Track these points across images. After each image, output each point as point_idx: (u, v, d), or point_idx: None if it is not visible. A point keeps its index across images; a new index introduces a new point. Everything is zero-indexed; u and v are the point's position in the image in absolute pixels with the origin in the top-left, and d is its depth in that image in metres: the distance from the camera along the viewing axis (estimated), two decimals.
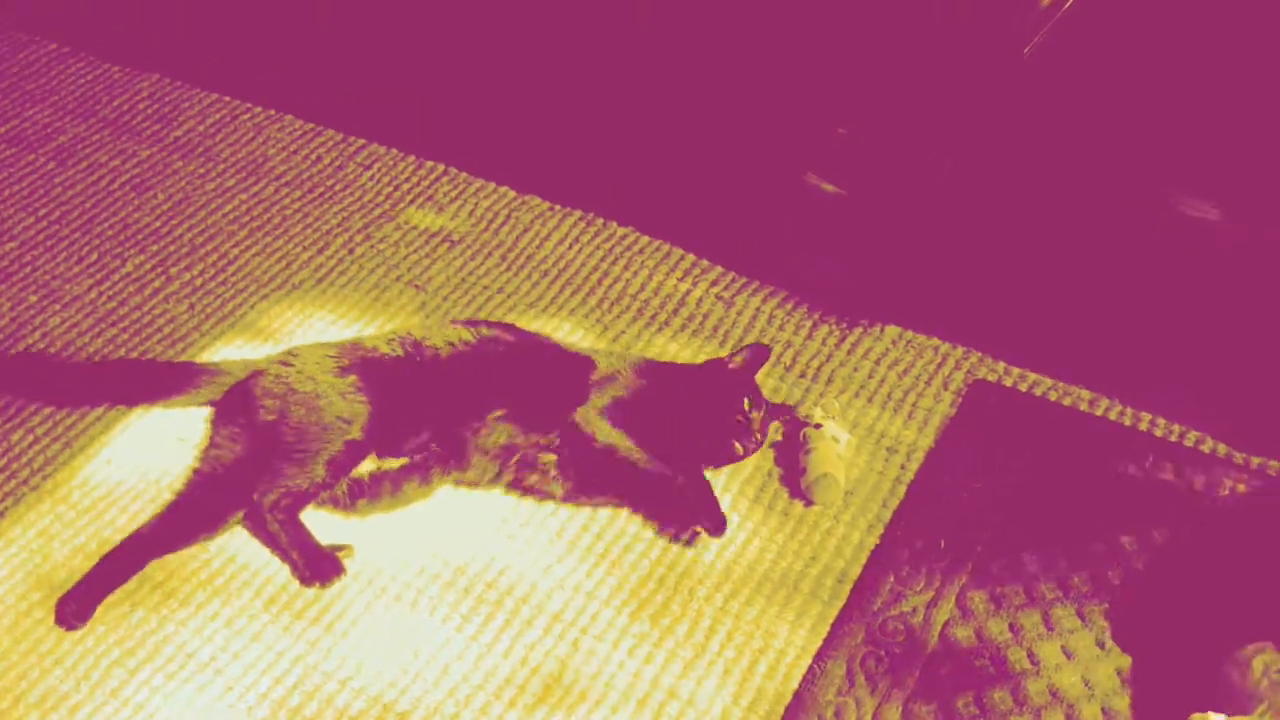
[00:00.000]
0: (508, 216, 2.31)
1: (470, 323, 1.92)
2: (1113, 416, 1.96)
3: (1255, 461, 1.88)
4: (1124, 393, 1.99)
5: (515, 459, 1.78)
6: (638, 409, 1.79)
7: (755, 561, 1.78)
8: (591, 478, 1.78)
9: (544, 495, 1.81)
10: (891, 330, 2.11)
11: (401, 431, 1.76)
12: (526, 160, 2.39)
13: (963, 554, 1.77)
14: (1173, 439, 1.92)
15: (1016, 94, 1.96)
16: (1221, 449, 1.90)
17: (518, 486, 1.81)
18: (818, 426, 1.88)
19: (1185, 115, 1.91)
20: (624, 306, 2.16)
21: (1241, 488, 1.82)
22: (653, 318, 2.14)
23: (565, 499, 1.81)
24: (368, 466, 1.77)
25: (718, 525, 1.73)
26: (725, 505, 1.82)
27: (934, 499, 1.83)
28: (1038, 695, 1.61)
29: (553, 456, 1.78)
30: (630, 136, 2.45)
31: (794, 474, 1.86)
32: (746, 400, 1.82)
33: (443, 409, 1.78)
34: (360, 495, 1.76)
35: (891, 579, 1.74)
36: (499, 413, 1.77)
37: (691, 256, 2.24)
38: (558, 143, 2.44)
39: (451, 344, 1.84)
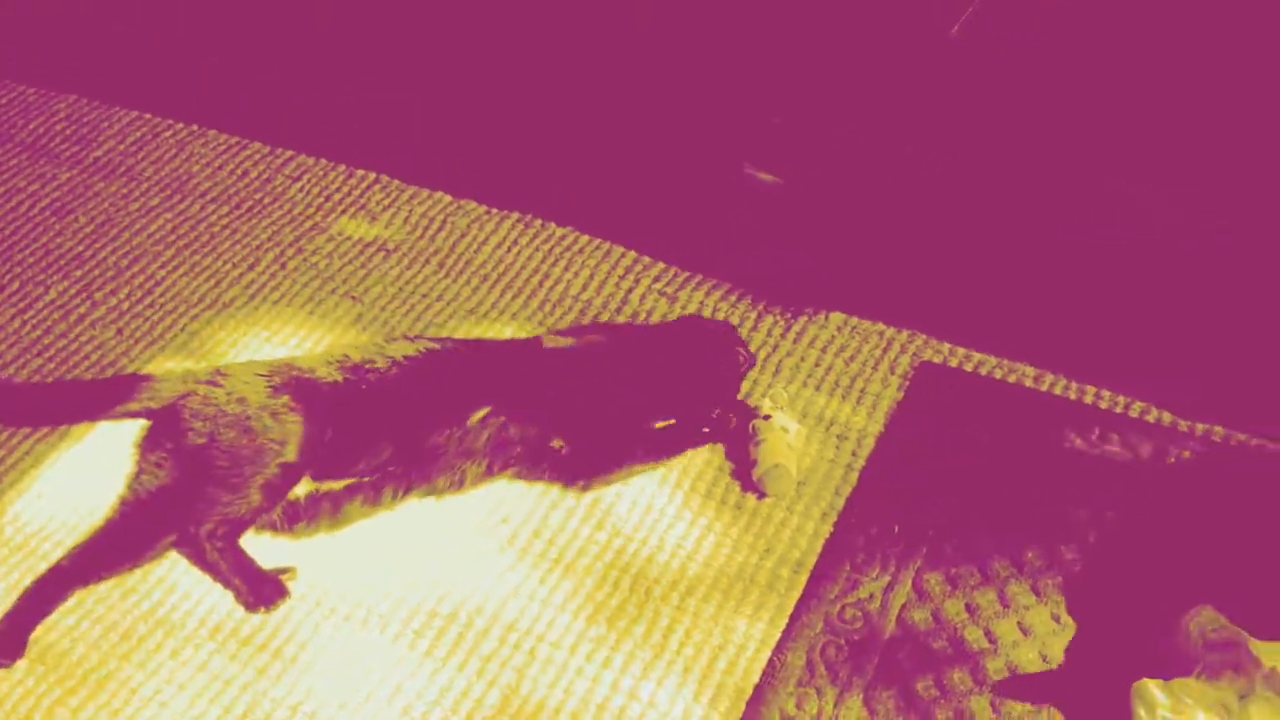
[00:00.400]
0: (443, 222, 2.29)
1: (411, 338, 1.91)
2: (1058, 391, 1.99)
3: (1200, 428, 1.92)
4: (1068, 367, 2.02)
5: (516, 451, 1.80)
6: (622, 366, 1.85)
7: (710, 557, 1.78)
8: (603, 447, 1.82)
9: (555, 477, 1.83)
10: (836, 317, 2.12)
11: (350, 453, 1.74)
12: (461, 164, 2.38)
13: (917, 537, 1.78)
14: (1118, 410, 1.95)
15: (944, 74, 1.99)
16: (1166, 417, 1.94)
17: (520, 475, 1.83)
18: (766, 418, 1.89)
19: (1124, 97, 1.95)
20: (566, 308, 2.15)
21: (1187, 455, 1.86)
22: (595, 318, 2.14)
23: (573, 479, 1.83)
24: (303, 489, 1.74)
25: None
26: (676, 503, 1.84)
27: (886, 484, 1.85)
28: (996, 673, 1.63)
29: (560, 442, 1.80)
30: (565, 134, 2.45)
31: (745, 467, 1.87)
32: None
33: (404, 424, 1.76)
34: (298, 519, 1.74)
35: (847, 567, 1.76)
36: (483, 412, 1.77)
37: (632, 254, 2.24)
38: (492, 144, 2.42)
39: (396, 360, 1.82)
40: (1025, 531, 1.79)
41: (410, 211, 2.31)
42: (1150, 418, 1.94)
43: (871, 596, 1.72)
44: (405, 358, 1.82)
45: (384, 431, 1.75)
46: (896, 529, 1.80)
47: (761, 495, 1.85)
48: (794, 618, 1.70)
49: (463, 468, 1.78)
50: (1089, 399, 1.97)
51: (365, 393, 1.78)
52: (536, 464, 1.83)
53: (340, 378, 1.79)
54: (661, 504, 1.85)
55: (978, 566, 1.75)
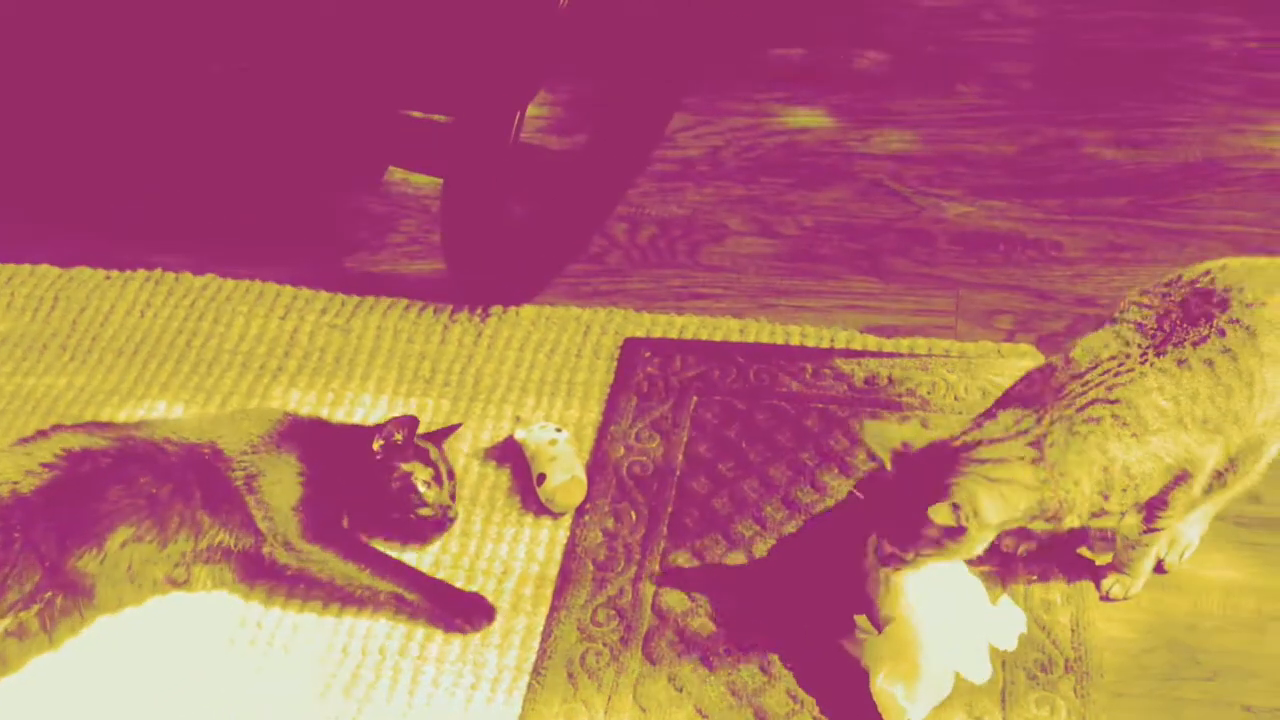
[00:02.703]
0: (55, 299, 2.15)
1: (29, 440, 1.72)
2: (765, 339, 2.11)
3: (904, 346, 2.08)
4: (768, 310, 2.14)
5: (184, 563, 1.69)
6: (317, 494, 1.72)
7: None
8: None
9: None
10: (527, 311, 2.15)
11: None
12: (58, 229, 2.26)
13: (655, 519, 1.83)
14: (825, 345, 2.09)
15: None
16: (871, 342, 2.10)
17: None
18: (524, 434, 1.87)
19: None
20: (224, 364, 2.05)
21: (897, 373, 2.02)
22: (262, 368, 2.05)
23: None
24: None
25: (484, 615, 1.70)
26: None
27: (613, 472, 1.88)
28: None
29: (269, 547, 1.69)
30: (174, 167, 2.36)
31: (528, 486, 1.84)
32: (420, 480, 1.76)
33: (53, 547, 1.61)
34: None
35: (591, 567, 1.77)
36: (124, 534, 1.64)
37: (289, 289, 2.17)
38: (74, 197, 2.32)
39: (28, 473, 1.66)
40: (760, 486, 1.86)
41: (11, 295, 2.15)
42: (856, 345, 2.09)
43: (621, 592, 1.74)
44: (42, 466, 1.66)
45: (26, 562, 1.60)
46: (633, 515, 1.82)
47: (556, 515, 1.82)
48: (545, 634, 1.69)
49: (118, 595, 1.67)
50: (795, 340, 2.10)
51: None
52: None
53: None
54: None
55: (721, 534, 1.80)
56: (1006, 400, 1.59)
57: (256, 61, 2.16)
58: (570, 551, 1.78)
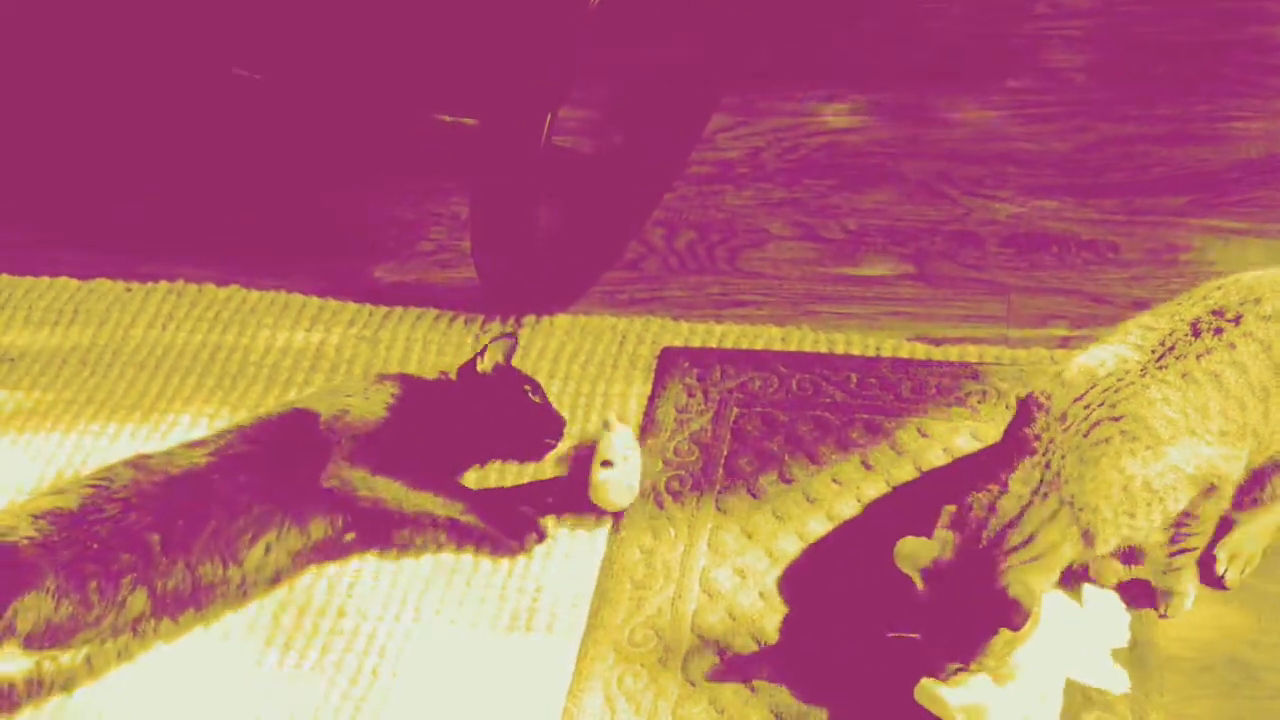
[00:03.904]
0: (74, 312, 2.17)
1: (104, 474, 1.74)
2: (807, 347, 2.09)
3: (953, 354, 2.08)
4: (811, 317, 2.13)
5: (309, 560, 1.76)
6: (398, 439, 1.81)
7: (475, 618, 1.74)
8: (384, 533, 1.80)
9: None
10: (561, 320, 2.15)
11: (77, 617, 1.60)
12: (76, 240, 2.28)
13: (696, 535, 1.82)
14: (870, 354, 2.06)
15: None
16: (920, 350, 2.09)
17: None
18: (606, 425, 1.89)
19: None
20: (250, 378, 2.06)
21: (946, 383, 2.02)
22: (288, 381, 2.06)
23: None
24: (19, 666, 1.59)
25: (525, 533, 1.79)
26: (404, 581, 1.79)
27: (650, 486, 1.86)
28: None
29: (351, 535, 1.78)
30: (196, 174, 2.38)
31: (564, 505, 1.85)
32: (528, 390, 1.91)
33: (153, 569, 1.65)
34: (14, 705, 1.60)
35: (629, 585, 1.77)
36: (265, 541, 1.71)
37: (316, 300, 2.19)
38: (109, 210, 2.34)
39: (126, 487, 1.70)
40: (808, 501, 1.85)
41: (29, 309, 2.18)
42: (904, 353, 2.08)
43: (659, 610, 1.74)
44: (137, 481, 1.70)
45: (125, 581, 1.63)
46: (672, 532, 1.84)
47: (602, 513, 1.83)
48: (582, 656, 1.68)
49: (244, 592, 1.73)
50: (840, 348, 2.10)
51: (96, 537, 1.64)
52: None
53: (49, 532, 1.63)
54: (386, 588, 1.78)
55: (765, 550, 1.81)
56: (1009, 451, 1.57)
57: (281, 63, 2.18)
58: (604, 572, 1.78)
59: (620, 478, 1.82)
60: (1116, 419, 1.53)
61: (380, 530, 1.80)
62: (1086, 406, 1.55)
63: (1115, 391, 1.55)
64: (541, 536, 1.80)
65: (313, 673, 1.70)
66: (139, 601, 1.63)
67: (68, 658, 1.61)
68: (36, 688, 1.61)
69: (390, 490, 1.77)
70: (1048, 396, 1.58)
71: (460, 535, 1.80)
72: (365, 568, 1.81)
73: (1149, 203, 2.31)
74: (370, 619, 1.75)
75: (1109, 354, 1.60)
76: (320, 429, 1.80)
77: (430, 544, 1.81)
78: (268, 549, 1.71)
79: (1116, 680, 1.62)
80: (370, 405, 1.83)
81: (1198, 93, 2.50)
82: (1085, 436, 1.53)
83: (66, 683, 1.64)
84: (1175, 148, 2.41)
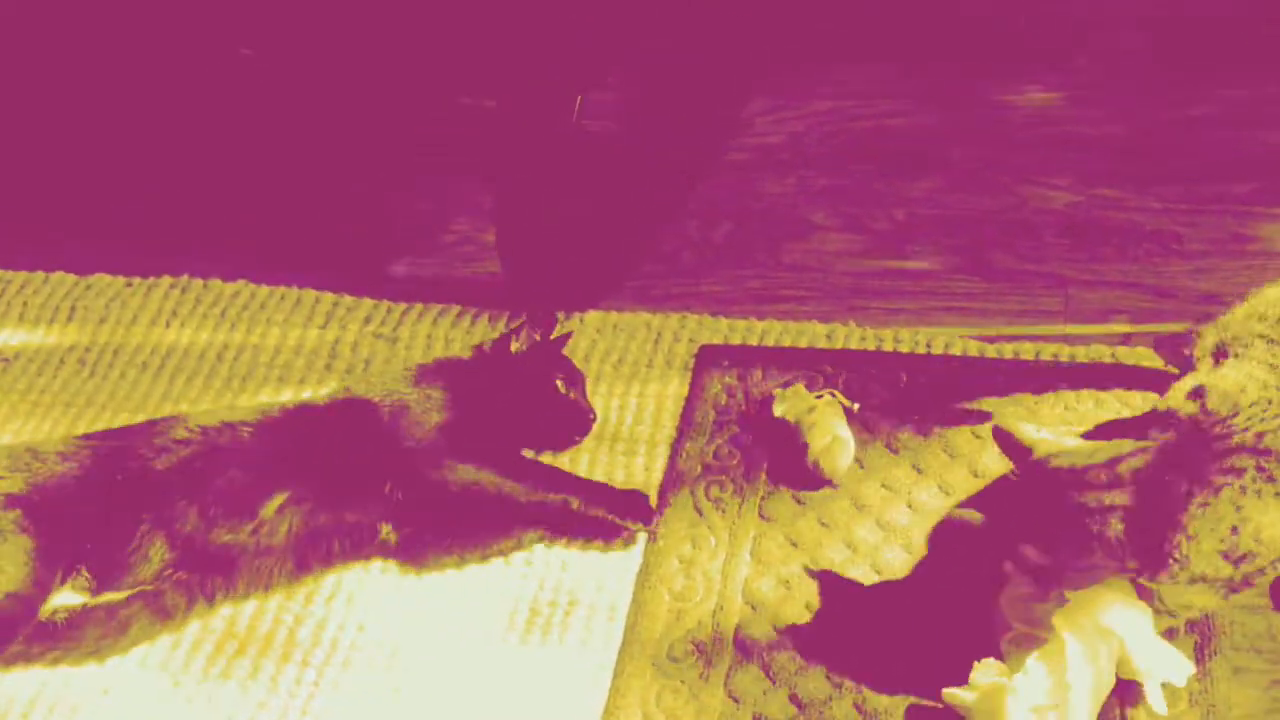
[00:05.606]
0: (72, 309, 2.16)
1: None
2: (854, 345, 2.07)
3: (1008, 351, 2.07)
4: (858, 313, 2.13)
5: (335, 545, 1.78)
6: (459, 423, 1.85)
7: (504, 631, 1.74)
8: (441, 529, 1.82)
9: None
10: (592, 317, 2.14)
11: (117, 560, 1.70)
12: (73, 232, 2.28)
13: (736, 544, 1.82)
14: (921, 351, 2.06)
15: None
16: (973, 348, 2.08)
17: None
18: (819, 396, 1.91)
19: None
20: (259, 379, 2.06)
21: (1002, 382, 1.99)
22: (301, 382, 2.05)
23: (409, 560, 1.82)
24: (77, 599, 1.68)
25: (645, 514, 1.83)
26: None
27: (689, 493, 1.86)
28: None
29: (388, 526, 1.80)
30: (201, 163, 2.36)
31: (791, 462, 1.86)
32: (559, 381, 1.92)
33: (180, 520, 1.73)
34: (56, 640, 1.69)
35: (667, 596, 1.75)
36: (280, 499, 1.74)
37: (329, 296, 2.18)
38: (108, 201, 2.33)
39: (164, 444, 1.78)
40: (855, 508, 1.83)
41: (24, 307, 2.17)
42: (955, 350, 2.07)
43: (700, 624, 1.72)
44: (175, 440, 1.78)
45: (154, 532, 1.72)
46: (713, 541, 1.81)
47: (820, 483, 1.84)
48: (619, 670, 1.67)
49: (267, 568, 1.76)
50: (889, 346, 2.09)
51: (124, 485, 1.74)
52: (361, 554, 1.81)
53: (86, 467, 1.75)
54: (409, 601, 1.78)
55: (811, 559, 1.78)
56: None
57: (295, 43, 2.17)
58: (643, 580, 1.77)
59: (823, 443, 1.83)
60: (1261, 452, 1.46)
61: (444, 530, 1.82)
62: (1226, 427, 1.48)
63: (1260, 420, 1.48)
64: (649, 519, 1.83)
65: (333, 691, 1.68)
66: (159, 550, 1.71)
67: (120, 599, 1.70)
68: (71, 631, 1.70)
69: (506, 484, 1.81)
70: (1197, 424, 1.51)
71: (562, 529, 1.82)
72: (387, 580, 1.79)
73: (1214, 190, 2.29)
74: (393, 631, 1.74)
75: (1245, 376, 1.51)
76: (382, 419, 1.83)
77: (524, 545, 1.82)
78: (281, 509, 1.74)
79: (1179, 694, 1.60)
80: (427, 401, 1.87)
81: (1264, 72, 2.48)
82: (1217, 460, 1.46)
83: (120, 625, 1.72)
84: (1241, 131, 2.39)
